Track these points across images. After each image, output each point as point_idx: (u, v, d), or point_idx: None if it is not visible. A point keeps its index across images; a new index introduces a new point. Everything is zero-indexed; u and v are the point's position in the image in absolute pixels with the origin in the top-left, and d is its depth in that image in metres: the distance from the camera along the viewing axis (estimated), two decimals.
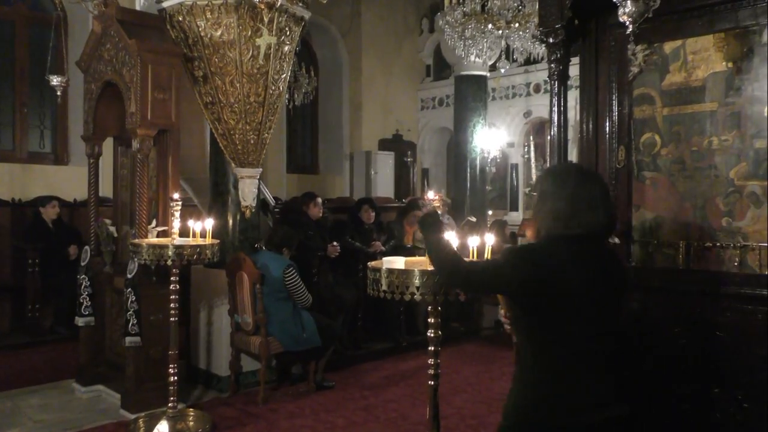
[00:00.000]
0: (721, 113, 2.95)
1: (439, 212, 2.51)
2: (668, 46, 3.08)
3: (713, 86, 2.97)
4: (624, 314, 2.07)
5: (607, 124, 3.22)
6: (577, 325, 1.97)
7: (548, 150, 3.24)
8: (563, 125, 2.99)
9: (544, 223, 2.05)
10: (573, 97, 3.43)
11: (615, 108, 3.20)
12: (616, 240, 3.11)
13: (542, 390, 1.99)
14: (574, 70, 3.18)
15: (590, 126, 3.27)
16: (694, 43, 3.01)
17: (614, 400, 2.02)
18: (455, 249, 2.26)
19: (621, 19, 2.48)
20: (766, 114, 2.83)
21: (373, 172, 11.18)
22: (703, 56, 2.99)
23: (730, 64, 2.92)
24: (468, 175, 10.02)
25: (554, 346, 1.99)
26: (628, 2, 2.42)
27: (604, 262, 2.06)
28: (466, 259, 2.30)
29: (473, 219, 8.13)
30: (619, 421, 2.01)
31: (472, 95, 10.13)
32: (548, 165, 3.49)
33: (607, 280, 2.03)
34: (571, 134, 6.30)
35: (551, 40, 2.95)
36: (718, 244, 2.95)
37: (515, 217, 10.68)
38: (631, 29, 2.49)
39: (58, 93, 6.52)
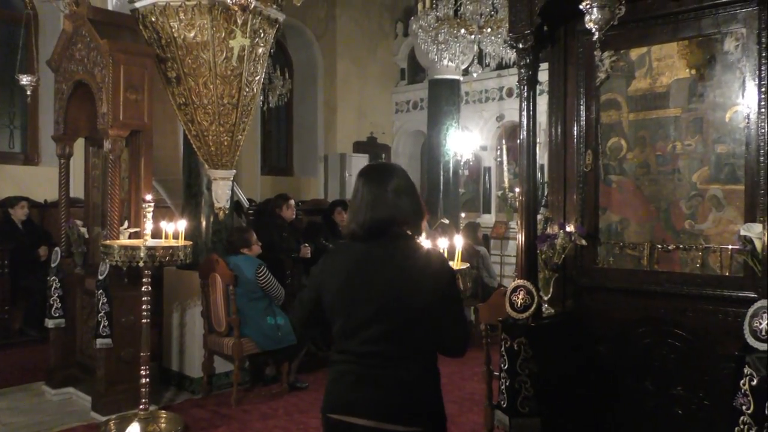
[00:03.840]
0: (685, 119, 3.04)
1: None
2: (634, 53, 3.17)
3: (677, 92, 3.06)
4: (431, 322, 1.93)
5: (575, 128, 3.30)
6: (338, 324, 1.98)
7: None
8: (532, 129, 3.06)
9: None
10: (544, 101, 3.51)
11: (583, 113, 3.28)
12: (583, 242, 3.19)
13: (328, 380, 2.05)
14: (544, 76, 3.25)
15: (559, 130, 3.35)
16: (658, 50, 3.10)
17: (368, 410, 1.90)
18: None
19: (587, 26, 2.55)
20: (727, 120, 2.93)
21: (347, 175, 11.18)
22: (667, 63, 3.08)
23: (693, 71, 3.02)
24: (441, 177, 10.10)
25: (335, 341, 2.03)
26: (595, 10, 2.49)
27: (379, 260, 1.95)
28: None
29: (446, 221, 8.20)
30: None
31: (445, 99, 10.20)
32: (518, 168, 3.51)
33: (377, 280, 1.93)
34: (543, 138, 6.45)
35: (521, 46, 3.02)
36: (681, 246, 3.04)
37: (488, 219, 10.79)
38: (597, 36, 2.55)
39: (28, 92, 6.40)
